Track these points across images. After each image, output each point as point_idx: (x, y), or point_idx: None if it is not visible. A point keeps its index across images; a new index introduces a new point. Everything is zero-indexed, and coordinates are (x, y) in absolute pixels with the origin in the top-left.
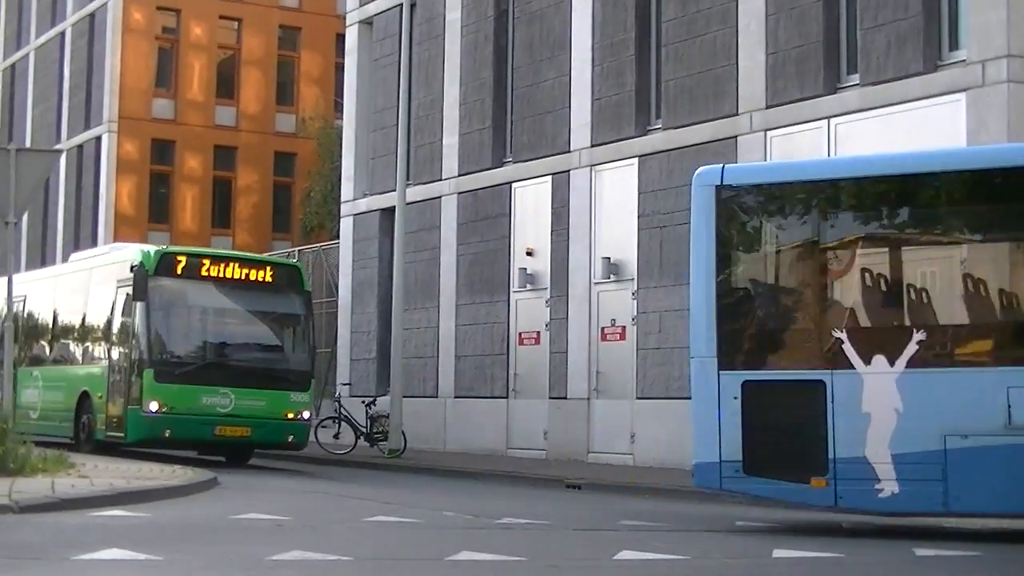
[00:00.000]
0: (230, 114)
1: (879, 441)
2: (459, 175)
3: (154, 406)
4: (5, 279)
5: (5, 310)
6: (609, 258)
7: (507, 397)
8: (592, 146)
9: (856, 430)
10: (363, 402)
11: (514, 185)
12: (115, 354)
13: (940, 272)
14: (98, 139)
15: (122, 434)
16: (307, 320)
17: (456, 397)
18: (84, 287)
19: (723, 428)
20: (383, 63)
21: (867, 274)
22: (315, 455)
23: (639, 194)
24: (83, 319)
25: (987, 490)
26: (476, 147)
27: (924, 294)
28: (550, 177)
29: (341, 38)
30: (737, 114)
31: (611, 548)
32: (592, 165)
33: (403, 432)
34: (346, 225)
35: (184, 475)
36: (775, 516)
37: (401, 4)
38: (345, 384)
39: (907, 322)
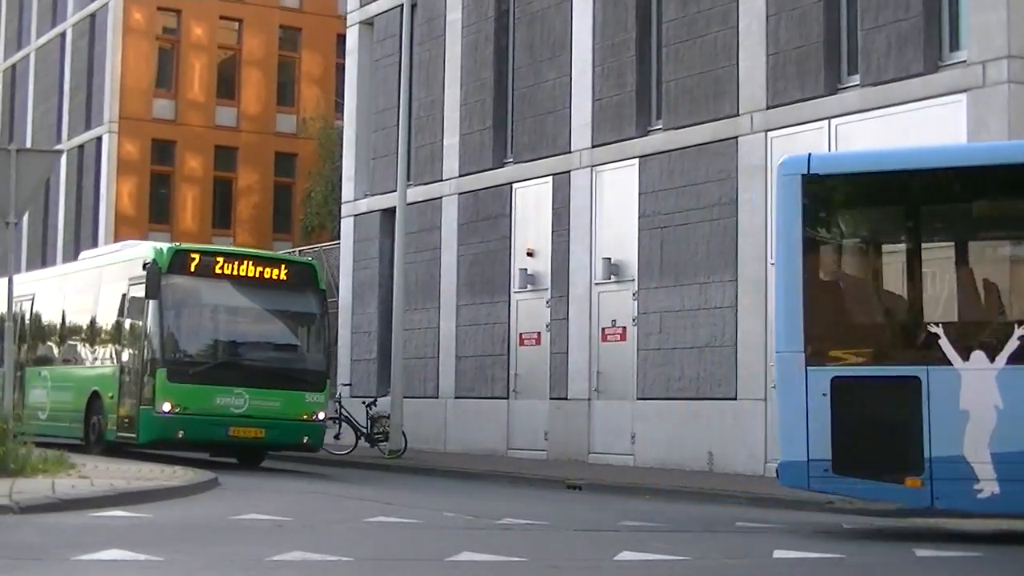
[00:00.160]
0: (231, 114)
1: (978, 440)
2: (460, 175)
3: (167, 406)
4: (6, 279)
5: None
6: (610, 259)
7: (508, 398)
8: (593, 147)
9: (954, 428)
10: (364, 403)
11: (515, 186)
12: (126, 353)
13: None
14: (99, 139)
15: (134, 435)
16: (323, 319)
17: (457, 398)
18: (94, 285)
19: (811, 426)
20: (384, 63)
21: (965, 267)
22: (315, 456)
23: (640, 195)
24: (93, 318)
25: None
26: (477, 147)
27: None
28: (551, 178)
29: (342, 38)
30: (738, 115)
31: (611, 549)
32: (593, 166)
33: (404, 433)
34: (347, 225)
35: (184, 476)
36: (775, 517)
37: (402, 4)
38: (346, 384)
39: (1009, 316)
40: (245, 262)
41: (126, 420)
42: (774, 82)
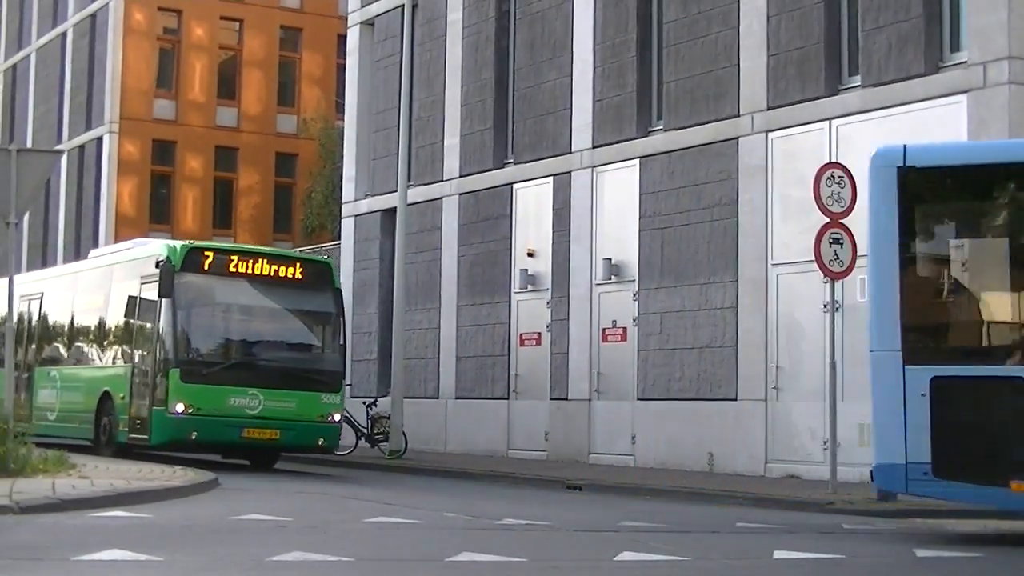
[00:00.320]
0: (231, 115)
1: None
2: (460, 176)
3: (180, 407)
4: (7, 279)
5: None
6: (610, 259)
7: (508, 398)
8: (593, 147)
9: None
10: (364, 403)
11: (515, 186)
12: (138, 353)
13: None
14: (99, 140)
15: (146, 436)
16: (338, 318)
17: (457, 398)
18: (105, 284)
19: (909, 427)
20: (384, 64)
21: None
22: (316, 456)
23: (640, 195)
24: (103, 317)
25: None
26: (477, 148)
27: None
28: (551, 178)
29: (342, 39)
30: (738, 115)
31: (612, 549)
32: (593, 166)
33: (404, 433)
34: (347, 226)
35: (185, 476)
36: (775, 517)
37: (403, 5)
38: (346, 385)
39: None
40: (260, 260)
41: (138, 421)
42: (775, 83)
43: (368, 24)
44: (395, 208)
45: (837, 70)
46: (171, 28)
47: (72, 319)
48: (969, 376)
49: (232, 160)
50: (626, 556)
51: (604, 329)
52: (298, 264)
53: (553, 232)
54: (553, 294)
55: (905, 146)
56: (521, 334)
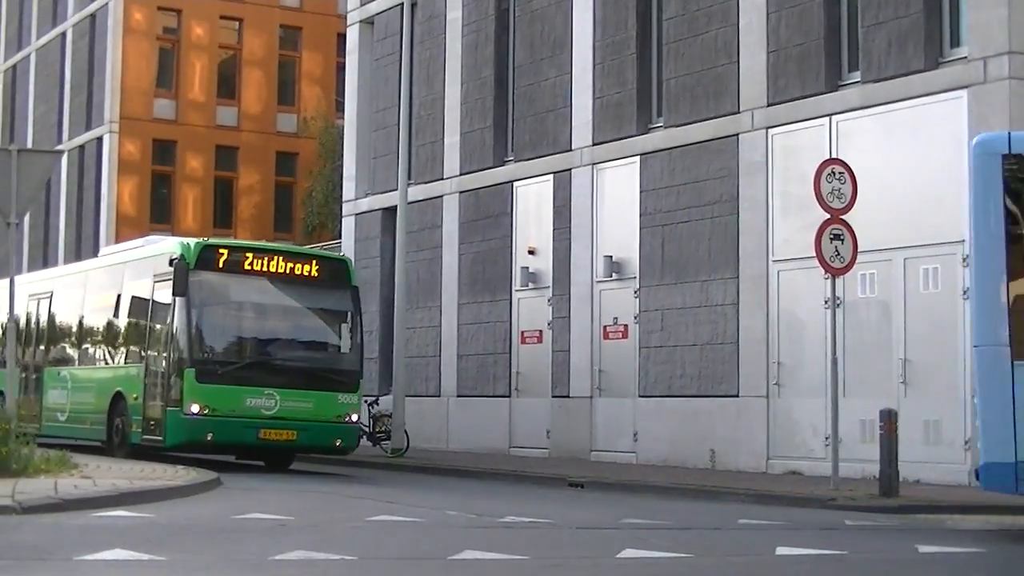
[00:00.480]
0: (231, 114)
1: None
2: (460, 174)
3: (195, 408)
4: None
5: (17, 310)
6: (611, 256)
7: (509, 396)
8: (593, 144)
9: None
10: (366, 401)
11: (515, 184)
12: (152, 353)
13: None
14: (99, 139)
15: (160, 438)
16: (355, 317)
17: (459, 396)
18: (117, 282)
19: (1019, 425)
20: (384, 62)
21: None
22: (317, 455)
23: (641, 192)
24: (116, 316)
25: None
26: (477, 146)
27: None
28: (551, 176)
29: (342, 38)
30: (738, 112)
31: (614, 546)
32: (593, 163)
33: (406, 431)
34: (348, 225)
35: (187, 475)
36: (777, 514)
37: (402, 3)
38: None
39: None
40: (275, 258)
41: (152, 422)
42: (775, 79)
43: (368, 23)
44: (395, 207)
45: (837, 66)
46: (171, 28)
47: (83, 318)
48: None
49: (232, 159)
50: (628, 553)
51: (605, 326)
52: (315, 261)
53: (554, 230)
54: (554, 292)
55: (1009, 133)
56: (522, 332)
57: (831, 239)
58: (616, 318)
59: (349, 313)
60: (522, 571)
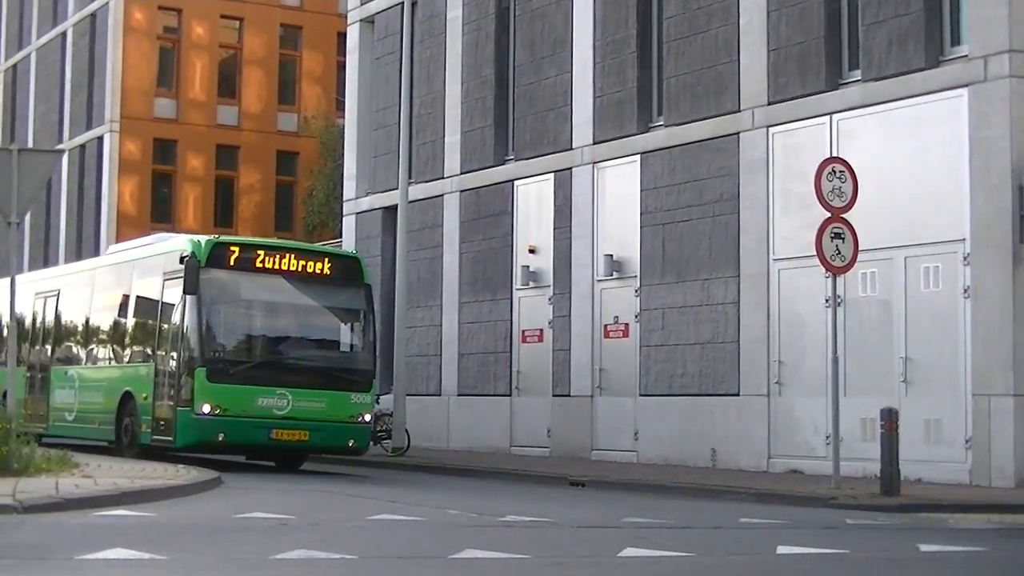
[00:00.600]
0: (232, 113)
1: None
2: (461, 173)
3: (206, 408)
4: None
5: (20, 309)
6: (612, 255)
7: (510, 395)
8: (594, 143)
9: None
10: None
11: (516, 183)
12: (162, 352)
13: None
14: (100, 139)
15: (171, 438)
16: (368, 315)
17: (459, 395)
18: (126, 280)
19: None
20: (384, 61)
21: None
22: (319, 454)
23: (641, 191)
24: (124, 314)
25: None
26: (478, 145)
27: None
28: (552, 175)
29: (342, 37)
30: (739, 110)
31: (615, 545)
32: (594, 162)
33: (406, 430)
34: (348, 224)
35: (188, 475)
36: (779, 513)
37: (402, 2)
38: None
39: None
40: (287, 255)
41: (162, 422)
42: (775, 78)
43: (368, 22)
44: (396, 206)
45: (837, 65)
46: (171, 27)
47: (90, 317)
48: None
49: (233, 158)
50: (629, 552)
51: (606, 325)
52: (327, 259)
53: (554, 228)
54: (555, 290)
55: None
56: (523, 331)
57: (832, 238)
58: (617, 317)
59: (362, 311)
60: (523, 570)
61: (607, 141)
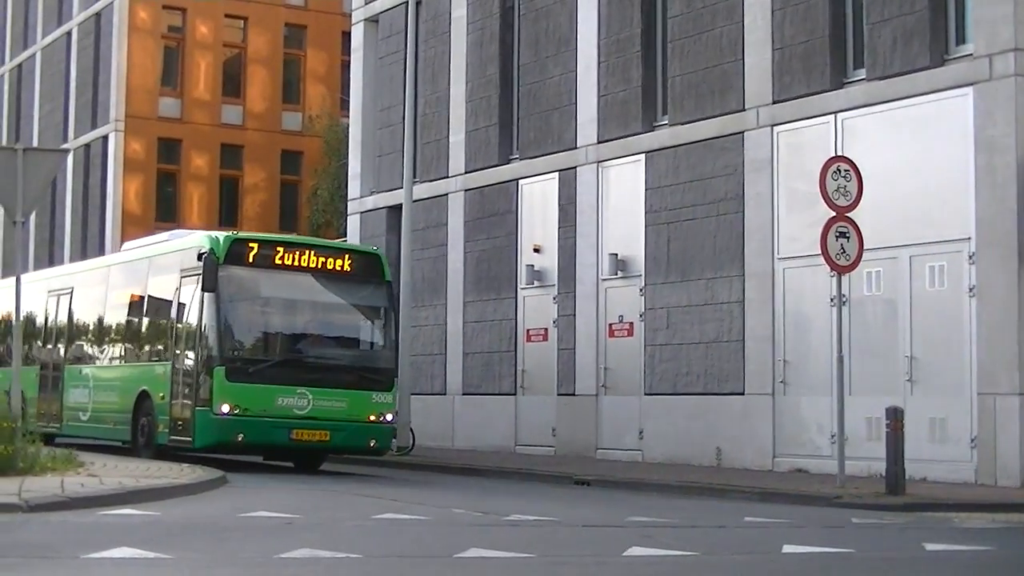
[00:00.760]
0: (236, 112)
1: None
2: (466, 172)
3: (226, 408)
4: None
5: (22, 309)
6: (616, 254)
7: (515, 394)
8: (599, 142)
9: None
10: None
11: (521, 182)
12: (179, 350)
13: None
14: (105, 138)
15: (189, 438)
16: (390, 312)
17: (464, 394)
18: (141, 277)
19: None
20: (389, 61)
21: None
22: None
23: (646, 190)
24: (141, 312)
25: None
26: (482, 144)
27: None
28: (557, 174)
29: (347, 36)
30: (744, 110)
31: (620, 544)
32: (599, 161)
33: (411, 429)
34: (353, 223)
35: (193, 474)
36: (784, 512)
37: (407, 2)
38: None
39: None
40: (307, 252)
41: (180, 423)
42: (780, 77)
43: (372, 21)
44: (400, 205)
45: (842, 64)
46: (175, 26)
47: (105, 315)
48: None
49: (238, 158)
50: (634, 551)
51: (611, 324)
52: (347, 255)
53: (559, 228)
54: (559, 290)
55: None
56: (528, 330)
57: (837, 237)
58: (622, 316)
59: (383, 308)
60: (528, 569)
61: (611, 140)
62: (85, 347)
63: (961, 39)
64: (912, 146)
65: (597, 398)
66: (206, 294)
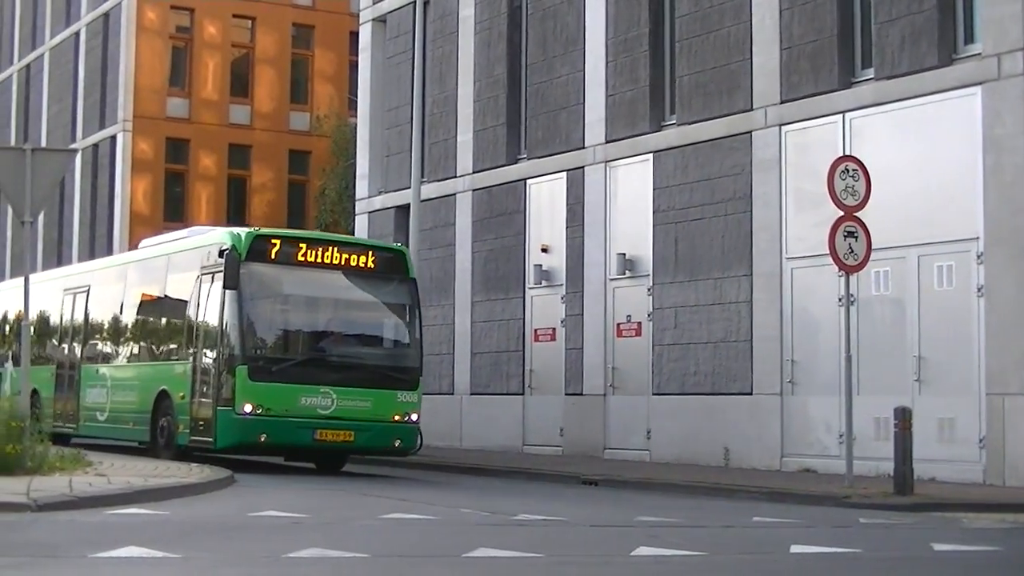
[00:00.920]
0: (244, 112)
1: None
2: (474, 172)
3: (248, 408)
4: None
5: (28, 309)
6: (624, 254)
7: (523, 394)
8: (606, 142)
9: None
10: None
11: (529, 182)
12: (199, 349)
13: None
14: (113, 138)
15: (210, 439)
16: (415, 310)
17: (472, 394)
18: (160, 275)
19: None
20: (397, 60)
21: None
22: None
23: (654, 190)
24: (160, 310)
25: None
26: (490, 144)
27: None
28: (565, 173)
29: (355, 36)
30: (751, 109)
31: (628, 544)
32: (607, 161)
33: (419, 429)
34: (361, 223)
35: (201, 473)
36: (792, 512)
37: (415, 1)
38: None
39: None
40: (330, 248)
41: (201, 423)
42: (788, 76)
43: (380, 21)
44: (408, 204)
45: (850, 63)
46: (183, 26)
47: (122, 313)
48: None
49: (245, 157)
50: (642, 551)
51: (619, 324)
52: (371, 252)
53: (567, 227)
54: (567, 289)
55: None
56: (536, 329)
57: (845, 236)
58: (629, 316)
59: (408, 306)
60: (535, 569)
61: (619, 140)
62: (102, 346)
63: (969, 38)
64: (920, 146)
65: (605, 398)
66: (227, 291)
